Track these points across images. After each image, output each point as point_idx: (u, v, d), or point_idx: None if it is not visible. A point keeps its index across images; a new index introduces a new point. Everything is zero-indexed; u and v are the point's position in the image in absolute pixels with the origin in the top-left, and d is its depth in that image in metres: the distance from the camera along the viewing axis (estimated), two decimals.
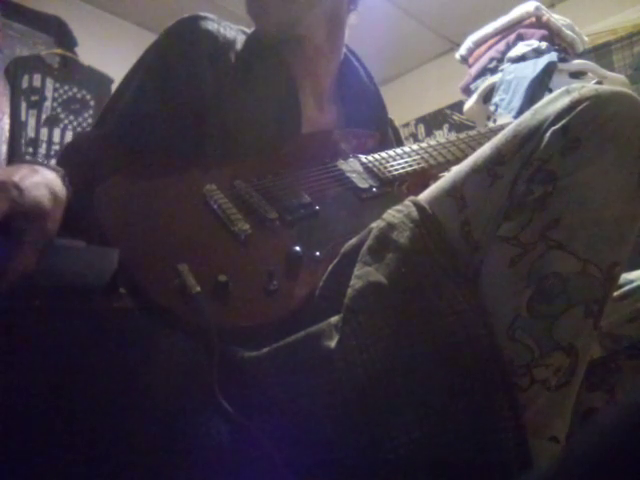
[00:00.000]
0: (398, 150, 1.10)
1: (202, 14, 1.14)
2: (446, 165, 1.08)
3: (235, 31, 1.18)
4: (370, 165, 1.05)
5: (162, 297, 0.75)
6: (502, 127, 1.19)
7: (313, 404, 0.67)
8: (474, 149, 1.09)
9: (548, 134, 0.65)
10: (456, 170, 0.74)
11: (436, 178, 1.08)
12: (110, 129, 1.06)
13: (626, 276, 0.86)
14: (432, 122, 4.17)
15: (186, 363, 0.68)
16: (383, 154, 1.08)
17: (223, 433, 0.63)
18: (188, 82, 1.07)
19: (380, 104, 1.29)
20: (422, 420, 0.63)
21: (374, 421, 0.64)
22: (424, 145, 1.11)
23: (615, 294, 0.81)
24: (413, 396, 0.64)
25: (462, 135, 1.15)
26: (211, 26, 1.13)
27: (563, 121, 0.65)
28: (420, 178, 1.07)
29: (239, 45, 1.14)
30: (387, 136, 1.28)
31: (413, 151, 1.09)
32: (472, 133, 1.16)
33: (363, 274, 0.71)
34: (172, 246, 0.82)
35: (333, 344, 0.68)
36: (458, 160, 1.08)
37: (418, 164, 1.06)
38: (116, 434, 0.59)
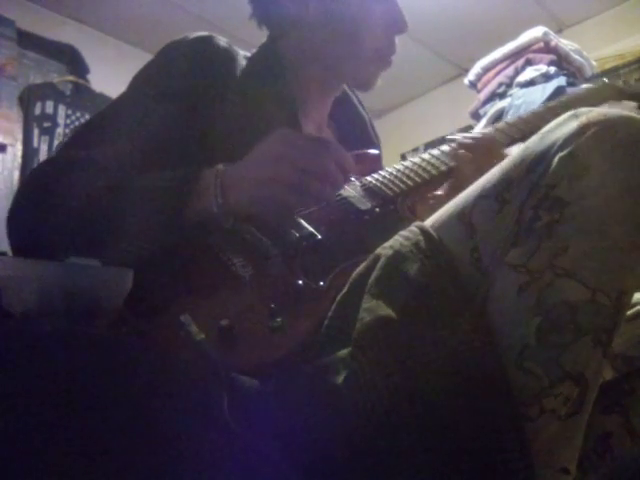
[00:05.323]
0: (395, 166, 1.08)
1: (206, 34, 1.10)
2: (447, 174, 1.07)
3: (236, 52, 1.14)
4: (370, 185, 1.03)
5: (168, 347, 0.74)
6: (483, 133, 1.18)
7: (319, 440, 0.66)
8: (472, 153, 1.09)
9: (556, 160, 0.64)
10: (464, 195, 0.73)
11: (440, 192, 1.08)
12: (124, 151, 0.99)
13: (637, 295, 0.84)
14: None
15: (195, 391, 0.68)
16: (381, 172, 1.06)
17: (233, 463, 0.62)
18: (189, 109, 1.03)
19: (372, 130, 1.30)
20: (431, 456, 0.62)
21: (382, 459, 0.63)
22: (417, 160, 1.09)
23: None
24: (422, 433, 0.62)
25: (454, 144, 1.13)
26: (220, 43, 1.10)
27: (571, 147, 0.64)
28: (422, 190, 1.06)
29: (242, 63, 1.12)
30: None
31: (407, 167, 1.07)
32: (464, 139, 1.14)
33: (372, 307, 0.69)
34: (173, 293, 0.81)
35: (341, 379, 0.67)
36: (459, 167, 1.07)
37: (418, 177, 1.04)
38: (123, 460, 0.58)
